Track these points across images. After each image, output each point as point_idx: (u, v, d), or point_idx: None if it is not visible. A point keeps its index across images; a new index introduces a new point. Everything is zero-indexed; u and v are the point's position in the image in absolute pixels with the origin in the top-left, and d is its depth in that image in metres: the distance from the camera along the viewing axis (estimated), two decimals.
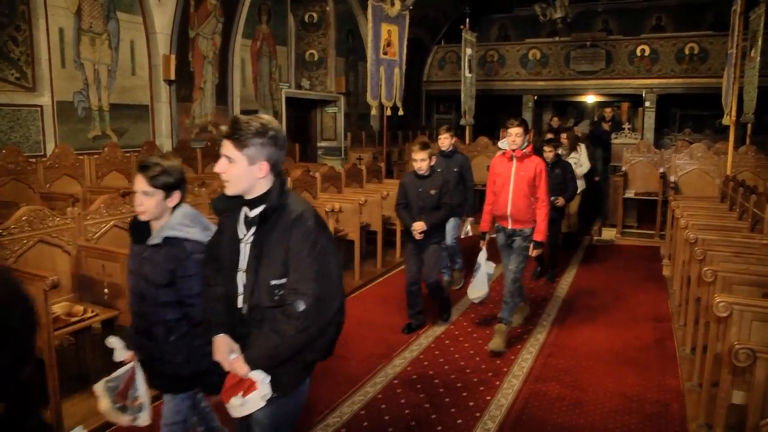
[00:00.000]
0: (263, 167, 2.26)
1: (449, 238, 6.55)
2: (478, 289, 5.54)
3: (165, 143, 9.07)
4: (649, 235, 9.63)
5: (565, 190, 7.25)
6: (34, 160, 6.90)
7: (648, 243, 9.32)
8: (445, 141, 6.83)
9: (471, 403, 4.27)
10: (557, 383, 4.61)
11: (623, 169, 9.96)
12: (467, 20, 12.55)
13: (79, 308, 4.03)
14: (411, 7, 9.59)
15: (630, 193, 9.72)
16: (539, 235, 5.24)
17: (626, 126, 12.98)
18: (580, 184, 8.28)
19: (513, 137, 5.21)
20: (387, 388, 4.49)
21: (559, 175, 7.18)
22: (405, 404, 4.23)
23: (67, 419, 3.67)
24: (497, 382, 4.60)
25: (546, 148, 7.24)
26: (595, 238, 9.63)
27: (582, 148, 8.63)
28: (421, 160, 5.52)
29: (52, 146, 7.38)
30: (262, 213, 2.30)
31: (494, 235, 5.55)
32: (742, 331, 3.10)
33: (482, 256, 5.54)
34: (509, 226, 5.33)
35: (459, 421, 4.03)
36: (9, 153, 6.55)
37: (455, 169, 6.68)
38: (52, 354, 3.50)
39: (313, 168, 8.89)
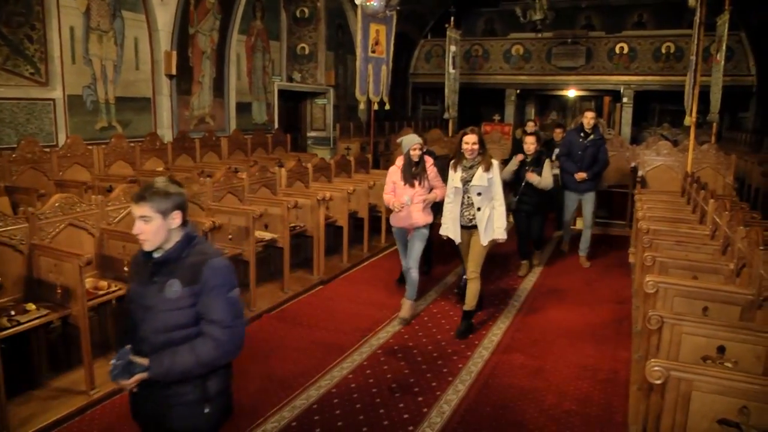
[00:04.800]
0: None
1: None
2: None
3: (166, 134, 9.61)
4: (620, 225, 10.28)
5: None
6: (48, 150, 7.44)
7: (619, 232, 9.98)
8: None
9: (445, 370, 4.91)
10: (522, 354, 5.25)
11: None
12: (452, 18, 13.12)
13: (104, 283, 4.62)
14: (398, 8, 10.15)
15: (603, 186, 10.31)
16: None
17: (601, 122, 13.56)
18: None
19: None
20: (372, 357, 5.12)
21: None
22: (387, 370, 4.86)
23: (97, 379, 4.29)
24: (469, 353, 5.24)
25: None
26: (570, 227, 10.21)
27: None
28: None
29: (64, 137, 7.91)
30: None
31: None
32: (666, 305, 3.75)
33: None
34: None
35: (434, 383, 4.66)
36: (27, 144, 7.10)
37: None
38: (86, 320, 4.11)
39: (304, 158, 9.49)
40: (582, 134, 8.04)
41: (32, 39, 7.58)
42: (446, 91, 13.35)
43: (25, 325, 3.87)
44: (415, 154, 5.90)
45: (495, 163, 5.65)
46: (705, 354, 3.08)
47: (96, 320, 4.84)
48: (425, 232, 6.00)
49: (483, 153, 5.63)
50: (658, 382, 2.52)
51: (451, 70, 13.29)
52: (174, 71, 9.56)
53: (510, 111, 18.67)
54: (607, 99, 20.38)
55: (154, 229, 2.47)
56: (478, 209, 5.57)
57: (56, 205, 4.60)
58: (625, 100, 17.25)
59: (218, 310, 2.49)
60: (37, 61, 7.68)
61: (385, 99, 10.58)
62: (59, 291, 4.17)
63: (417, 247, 5.97)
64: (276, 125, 13.00)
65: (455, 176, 5.66)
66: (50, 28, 7.75)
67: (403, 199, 5.81)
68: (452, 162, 5.76)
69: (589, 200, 8.20)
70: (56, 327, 4.53)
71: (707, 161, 9.42)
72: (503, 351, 5.32)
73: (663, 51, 16.70)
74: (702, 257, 4.86)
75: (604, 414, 4.27)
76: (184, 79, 10.03)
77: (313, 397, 4.44)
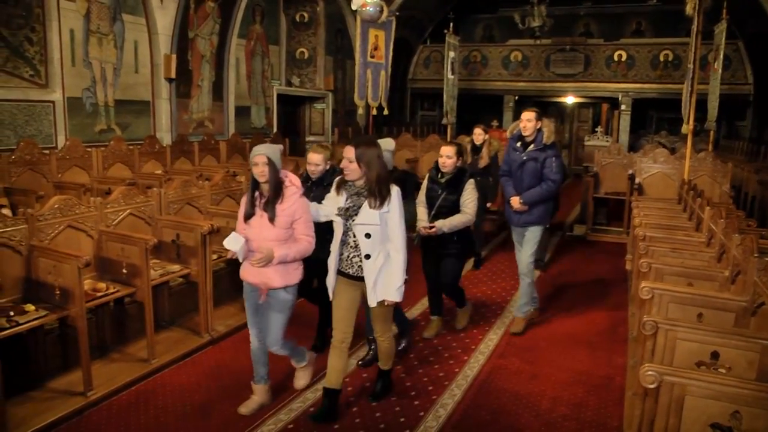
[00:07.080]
0: None
1: None
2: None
3: (165, 137, 9.67)
4: (617, 232, 10.31)
5: None
6: (47, 151, 7.48)
7: (616, 239, 9.99)
8: None
9: (441, 374, 4.93)
10: (518, 359, 5.27)
11: (594, 170, 10.60)
12: (451, 24, 13.18)
13: (102, 285, 4.63)
14: (397, 14, 10.20)
15: (600, 193, 10.38)
16: None
17: (599, 129, 13.61)
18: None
19: None
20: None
21: None
22: None
23: (94, 380, 4.30)
24: (465, 358, 5.26)
25: None
26: (567, 233, 10.27)
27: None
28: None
29: (63, 139, 7.96)
30: None
31: None
32: (661, 311, 3.77)
33: None
34: None
35: (430, 387, 4.68)
36: (26, 145, 7.14)
37: None
38: (84, 322, 4.13)
39: (302, 163, 9.49)
40: (519, 144, 5.68)
41: (32, 41, 7.64)
42: (445, 96, 13.43)
43: (24, 325, 3.88)
44: (257, 172, 3.75)
45: (394, 191, 3.77)
46: (699, 359, 3.10)
47: (94, 322, 4.86)
48: (286, 298, 4.00)
49: (374, 178, 3.71)
50: (652, 386, 2.54)
51: (450, 76, 13.36)
52: (173, 75, 9.62)
53: (508, 117, 18.74)
54: (605, 106, 20.46)
55: None
56: (367, 257, 3.80)
57: (55, 206, 4.63)
58: (623, 107, 17.34)
59: None
60: (36, 63, 7.73)
61: (384, 104, 10.63)
62: (58, 292, 4.19)
63: (274, 321, 4.05)
64: (275, 129, 13.06)
65: (338, 200, 3.87)
66: (50, 30, 7.82)
67: (233, 244, 3.75)
68: (336, 180, 3.97)
69: (529, 238, 5.76)
70: (54, 328, 4.55)
71: (704, 169, 9.46)
72: (499, 356, 5.34)
73: (661, 59, 16.80)
74: (697, 264, 4.88)
75: (599, 419, 4.29)
76: (183, 82, 10.09)
77: (309, 399, 4.46)
